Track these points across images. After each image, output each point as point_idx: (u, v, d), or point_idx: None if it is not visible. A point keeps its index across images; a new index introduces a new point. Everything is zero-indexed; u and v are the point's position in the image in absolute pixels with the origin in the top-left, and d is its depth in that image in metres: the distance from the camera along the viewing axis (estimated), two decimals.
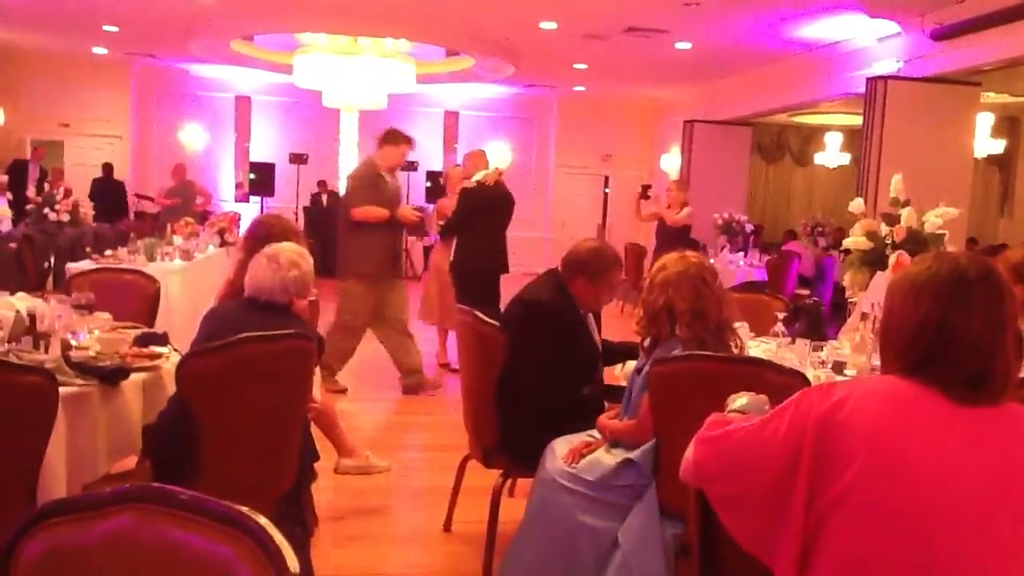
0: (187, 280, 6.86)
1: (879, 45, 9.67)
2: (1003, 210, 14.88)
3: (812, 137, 16.37)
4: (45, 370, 2.52)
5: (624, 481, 2.83)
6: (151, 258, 6.90)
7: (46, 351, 2.95)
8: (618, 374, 3.75)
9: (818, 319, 3.93)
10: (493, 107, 16.45)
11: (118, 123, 15.19)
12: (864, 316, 3.72)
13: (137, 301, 4.39)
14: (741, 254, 11.18)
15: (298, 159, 14.50)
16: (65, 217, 8.76)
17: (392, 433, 5.79)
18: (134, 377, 2.99)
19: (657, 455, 2.76)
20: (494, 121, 16.49)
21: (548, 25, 10.22)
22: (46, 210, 8.74)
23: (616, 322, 6.33)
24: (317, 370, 3.20)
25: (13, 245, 7.95)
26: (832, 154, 15.10)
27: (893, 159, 8.62)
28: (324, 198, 15.00)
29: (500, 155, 15.53)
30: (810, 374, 3.02)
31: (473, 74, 13.16)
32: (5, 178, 11.51)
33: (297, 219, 13.20)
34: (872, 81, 9.33)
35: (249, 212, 13.06)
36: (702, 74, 13.01)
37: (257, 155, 15.43)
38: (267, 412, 2.90)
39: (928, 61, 8.89)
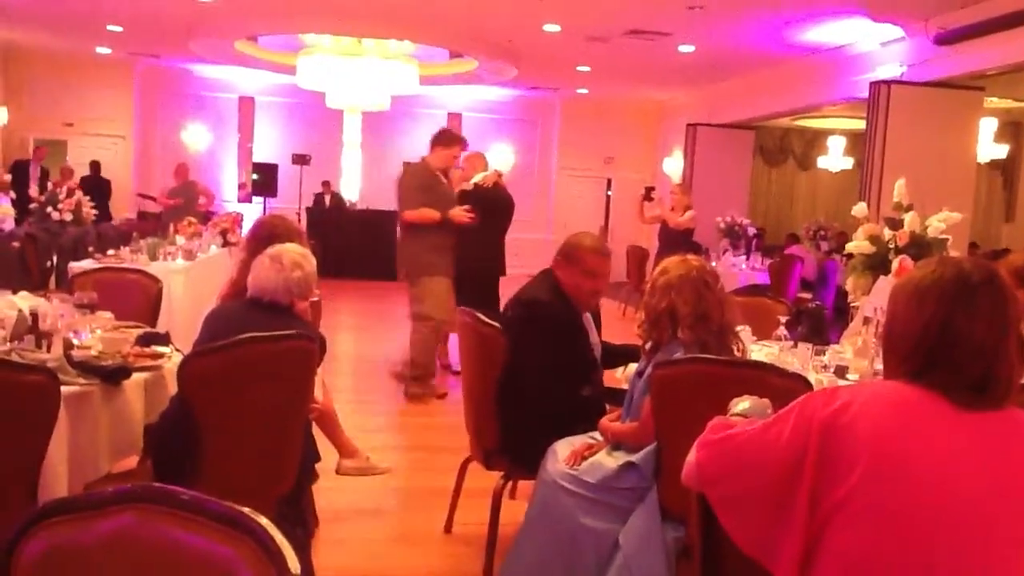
0: (189, 280, 6.86)
1: (883, 49, 9.67)
2: (1006, 215, 14.88)
3: (815, 141, 16.36)
4: (47, 369, 2.52)
5: (626, 484, 2.83)
6: (154, 258, 6.91)
7: (48, 350, 2.96)
8: (619, 376, 3.75)
9: (820, 323, 3.92)
10: (496, 109, 16.46)
11: (121, 123, 15.21)
12: (867, 320, 3.72)
13: (139, 301, 4.40)
14: (743, 257, 11.16)
15: (301, 160, 14.51)
16: (68, 216, 8.77)
17: (393, 434, 5.78)
18: (136, 377, 2.99)
19: (659, 458, 2.76)
20: (497, 123, 16.50)
21: (551, 27, 10.22)
22: (49, 209, 8.75)
23: (618, 324, 6.33)
24: (319, 371, 3.20)
25: (16, 244, 7.97)
26: (835, 158, 15.08)
27: (896, 163, 8.62)
28: (327, 199, 15.02)
29: (503, 157, 15.53)
30: (812, 378, 3.01)
31: (476, 76, 13.17)
32: (8, 177, 11.54)
33: (300, 220, 13.19)
34: (875, 85, 9.33)
35: (252, 212, 13.06)
36: (705, 77, 13.01)
37: (260, 156, 15.43)
38: (269, 412, 2.90)
39: (931, 66, 8.89)
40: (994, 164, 13.43)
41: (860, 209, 4.65)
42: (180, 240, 7.84)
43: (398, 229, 6.79)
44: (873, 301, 3.88)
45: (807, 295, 10.15)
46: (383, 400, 6.42)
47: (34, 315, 3.04)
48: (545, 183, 16.72)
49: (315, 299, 3.41)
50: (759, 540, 1.61)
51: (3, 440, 2.39)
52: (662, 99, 15.89)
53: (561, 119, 16.67)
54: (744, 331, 3.27)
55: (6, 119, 14.00)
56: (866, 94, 9.47)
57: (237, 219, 10.49)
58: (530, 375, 3.36)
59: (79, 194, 9.07)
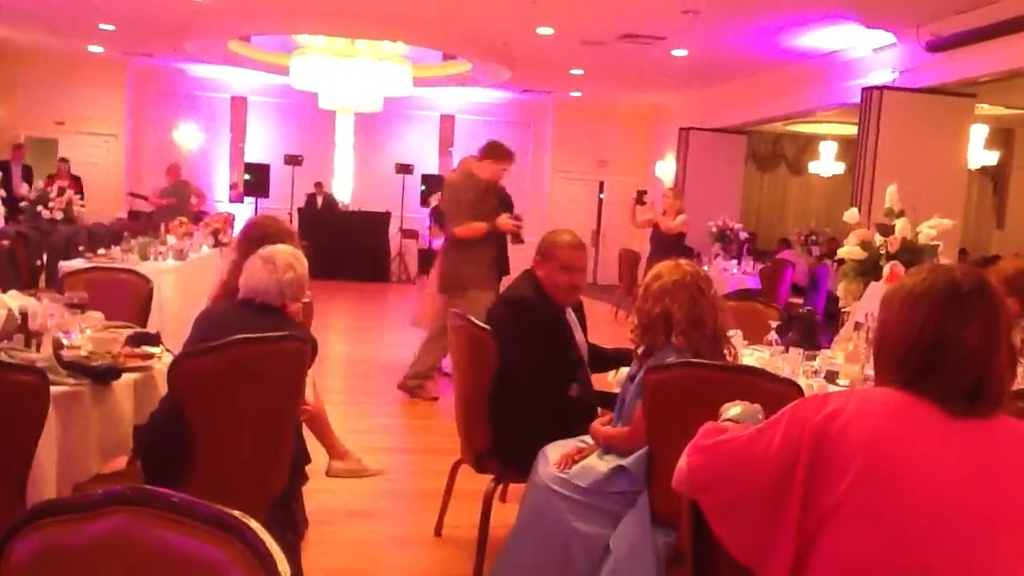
0: (180, 280, 6.84)
1: (875, 55, 9.71)
2: (997, 222, 14.95)
3: (807, 146, 16.42)
4: (37, 369, 2.51)
5: (617, 488, 2.83)
6: (144, 257, 6.88)
7: (38, 350, 2.94)
8: (611, 380, 3.75)
9: (812, 328, 3.93)
10: (489, 111, 16.46)
11: (113, 122, 15.16)
12: (858, 326, 3.73)
13: (130, 300, 4.38)
14: (735, 262, 11.19)
15: (293, 160, 14.50)
16: (59, 215, 8.73)
17: (384, 436, 5.77)
18: (126, 377, 2.97)
19: (650, 462, 2.76)
20: (490, 125, 16.49)
21: (545, 31, 10.24)
22: (39, 208, 8.71)
23: (610, 328, 6.33)
24: (310, 372, 3.19)
25: (6, 243, 7.92)
26: (827, 163, 15.14)
27: (887, 169, 8.65)
28: (319, 200, 15.00)
29: None
30: (803, 383, 3.02)
31: (469, 78, 13.18)
32: None
33: (291, 221, 13.17)
34: (867, 91, 9.37)
35: (243, 213, 13.03)
36: (698, 81, 13.04)
37: (252, 156, 15.40)
38: (260, 414, 2.89)
39: (923, 72, 8.93)
40: (985, 171, 13.51)
41: (851, 215, 4.67)
42: (171, 240, 7.81)
43: (442, 240, 6.70)
44: (864, 307, 3.89)
45: (798, 300, 10.19)
46: (374, 402, 6.41)
47: (24, 314, 3.03)
48: (538, 186, 16.73)
49: (306, 300, 3.40)
50: (750, 546, 1.61)
51: None
52: (655, 103, 15.92)
53: (554, 122, 16.68)
54: (736, 336, 3.28)
55: None
56: (858, 100, 9.52)
57: (228, 219, 10.46)
58: (519, 374, 3.36)
59: (70, 193, 9.03)
